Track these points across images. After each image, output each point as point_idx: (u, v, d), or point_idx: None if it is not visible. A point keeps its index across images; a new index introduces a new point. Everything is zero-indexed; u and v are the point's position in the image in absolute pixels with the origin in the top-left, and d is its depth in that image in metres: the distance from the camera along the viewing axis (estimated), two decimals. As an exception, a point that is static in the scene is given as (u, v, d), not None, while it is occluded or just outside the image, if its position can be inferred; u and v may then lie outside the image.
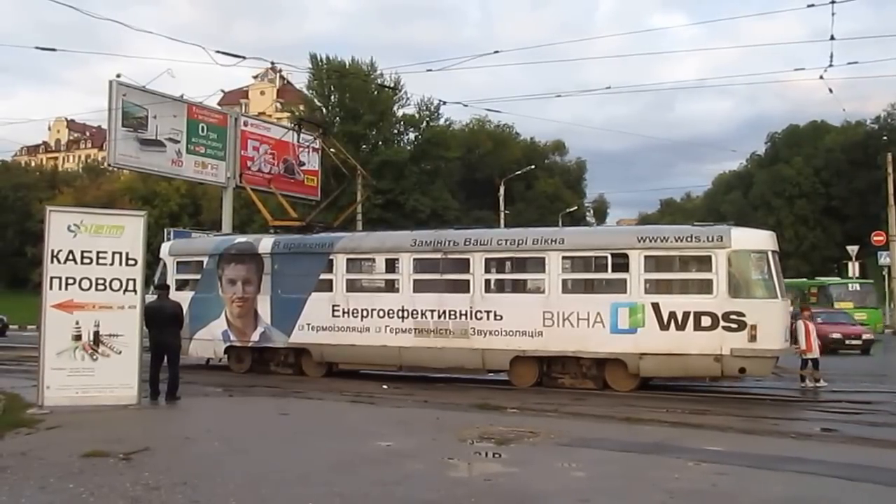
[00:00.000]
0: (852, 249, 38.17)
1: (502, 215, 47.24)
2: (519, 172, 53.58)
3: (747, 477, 7.03)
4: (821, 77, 19.30)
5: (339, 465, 7.40)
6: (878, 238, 37.06)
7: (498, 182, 49.41)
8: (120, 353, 10.87)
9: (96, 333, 10.78)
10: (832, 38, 17.40)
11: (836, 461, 7.81)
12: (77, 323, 10.71)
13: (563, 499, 6.36)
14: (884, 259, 36.10)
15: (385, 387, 14.39)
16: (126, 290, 10.97)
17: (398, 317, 14.95)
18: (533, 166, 58.21)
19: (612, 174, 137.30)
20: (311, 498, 6.25)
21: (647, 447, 8.34)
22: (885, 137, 60.38)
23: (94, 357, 10.77)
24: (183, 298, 14.80)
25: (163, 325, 11.88)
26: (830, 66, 18.24)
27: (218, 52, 22.05)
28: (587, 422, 10.57)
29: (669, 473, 7.04)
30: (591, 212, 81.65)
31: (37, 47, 29.12)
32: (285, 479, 6.85)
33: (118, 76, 25.28)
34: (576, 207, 67.73)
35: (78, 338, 10.70)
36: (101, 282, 10.86)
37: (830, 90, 22.41)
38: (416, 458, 7.85)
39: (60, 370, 10.62)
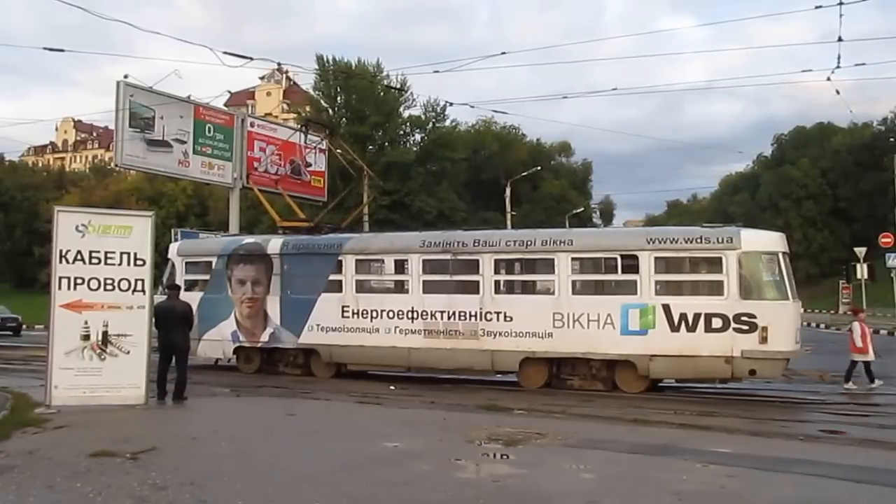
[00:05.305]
0: (860, 251, 38.02)
1: (509, 216, 47.12)
2: (525, 174, 53.47)
3: (756, 479, 7.00)
4: (828, 79, 19.27)
5: (346, 466, 7.41)
6: (885, 240, 36.88)
7: (504, 183, 49.29)
8: (128, 353, 10.91)
9: (105, 333, 10.83)
10: (840, 39, 17.32)
11: (844, 463, 7.79)
12: (86, 323, 10.77)
13: (571, 500, 6.36)
14: (892, 261, 35.89)
15: (392, 388, 14.38)
16: (134, 290, 11.02)
17: (408, 318, 14.93)
18: (539, 167, 58.08)
19: (619, 176, 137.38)
20: (319, 498, 6.26)
21: (656, 449, 8.33)
22: (892, 139, 60.04)
23: (103, 357, 10.81)
24: (192, 299, 14.82)
25: (172, 326, 11.89)
26: (838, 67, 18.17)
27: (225, 52, 22.10)
28: (595, 423, 10.55)
29: (678, 475, 7.02)
30: (598, 213, 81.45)
31: (45, 48, 29.25)
32: (292, 480, 6.86)
33: (126, 77, 25.38)
34: (582, 209, 67.59)
35: (87, 337, 10.75)
36: (109, 282, 10.91)
37: (837, 92, 22.32)
38: (423, 458, 7.85)
39: (68, 370, 10.67)
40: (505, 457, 8.03)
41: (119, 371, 10.84)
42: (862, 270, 37.77)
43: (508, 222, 45.27)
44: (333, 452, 8.18)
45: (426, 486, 6.72)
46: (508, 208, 47.51)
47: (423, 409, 11.84)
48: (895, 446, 8.92)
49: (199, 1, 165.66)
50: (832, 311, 45.74)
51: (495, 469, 7.64)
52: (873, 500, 6.62)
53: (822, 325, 37.27)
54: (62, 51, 30.08)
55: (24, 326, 33.16)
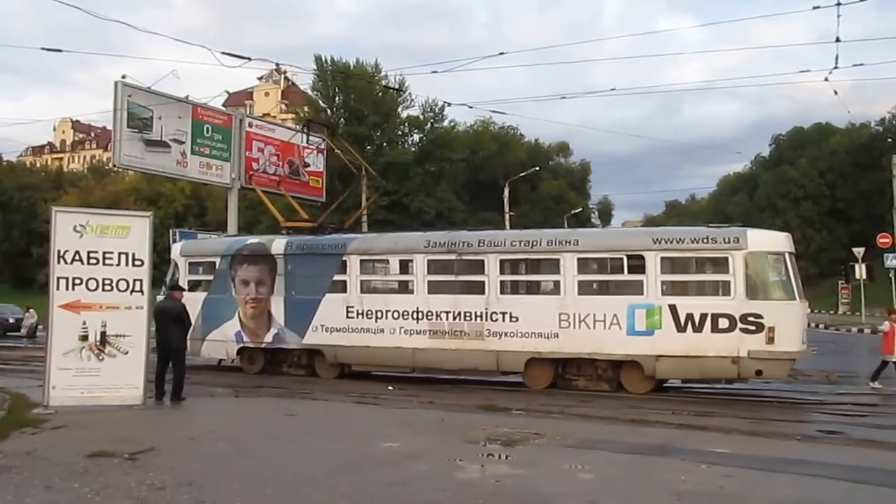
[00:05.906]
0: (858, 251, 38.07)
1: (507, 217, 47.10)
2: (524, 174, 53.45)
3: (754, 479, 7.00)
4: (826, 79, 19.24)
5: (345, 466, 7.40)
6: (883, 240, 36.89)
7: (503, 183, 49.26)
8: (126, 353, 10.89)
9: (103, 334, 10.81)
10: (838, 40, 17.32)
11: (842, 463, 7.79)
12: (84, 323, 10.74)
13: (570, 500, 6.35)
14: (890, 261, 35.94)
15: (391, 388, 14.36)
16: (133, 290, 11.00)
17: (413, 318, 14.88)
18: (537, 168, 58.06)
19: (618, 176, 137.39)
20: (317, 499, 6.26)
21: (654, 449, 8.32)
22: (889, 140, 60.11)
23: (101, 357, 10.79)
24: (195, 299, 14.77)
25: (167, 326, 11.88)
26: (836, 68, 18.22)
27: (223, 53, 22.17)
28: (593, 423, 10.55)
29: (676, 475, 7.02)
30: (597, 213, 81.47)
31: (43, 48, 29.24)
32: (291, 480, 6.85)
33: (124, 77, 25.35)
34: (581, 209, 67.58)
35: (85, 338, 10.73)
36: (107, 282, 10.89)
37: (835, 92, 22.31)
38: (422, 459, 7.84)
39: (66, 370, 10.64)
40: (504, 457, 8.01)
41: (117, 371, 10.81)
42: (860, 271, 37.83)
43: (507, 223, 45.25)
44: (332, 453, 8.17)
45: (425, 487, 6.72)
46: (507, 209, 47.46)
47: (421, 409, 11.84)
48: (893, 446, 8.93)
49: (198, 1, 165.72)
50: (832, 312, 45.82)
51: (494, 469, 7.63)
52: (871, 500, 6.63)
53: (822, 326, 37.32)
54: (60, 51, 30.29)
55: (39, 327, 32.92)
